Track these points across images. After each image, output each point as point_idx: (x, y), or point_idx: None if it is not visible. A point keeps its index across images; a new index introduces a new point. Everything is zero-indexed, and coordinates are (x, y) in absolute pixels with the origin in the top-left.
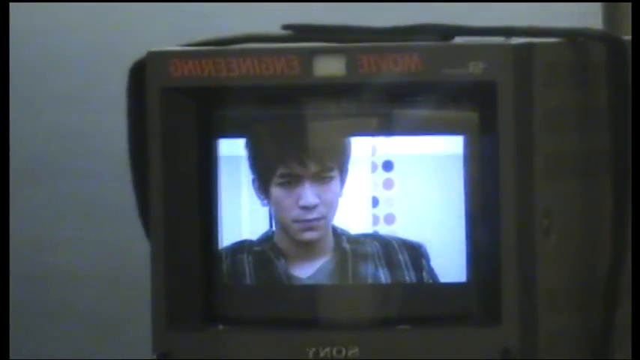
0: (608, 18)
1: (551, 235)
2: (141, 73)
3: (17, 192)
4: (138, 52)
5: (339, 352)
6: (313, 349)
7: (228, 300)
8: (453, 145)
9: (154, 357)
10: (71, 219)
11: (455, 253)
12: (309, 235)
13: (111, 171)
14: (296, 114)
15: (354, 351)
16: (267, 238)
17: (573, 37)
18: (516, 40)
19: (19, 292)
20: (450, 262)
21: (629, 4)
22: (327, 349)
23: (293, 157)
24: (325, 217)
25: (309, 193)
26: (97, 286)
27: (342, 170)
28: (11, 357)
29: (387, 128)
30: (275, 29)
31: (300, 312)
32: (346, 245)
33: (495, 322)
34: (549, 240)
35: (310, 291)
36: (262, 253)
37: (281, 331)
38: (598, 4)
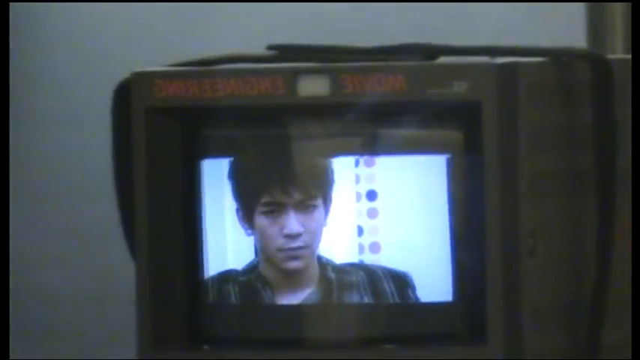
0: (593, 37)
1: (537, 254)
2: (125, 94)
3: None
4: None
5: None
6: None
7: (214, 320)
8: (437, 166)
9: None
10: (55, 238)
11: (440, 272)
12: (293, 264)
13: (97, 190)
14: (280, 134)
15: None
16: (252, 268)
17: (558, 56)
18: (501, 60)
19: None
20: (435, 281)
21: (613, 23)
22: None
23: (277, 184)
24: (310, 246)
25: (293, 222)
26: (81, 306)
27: (326, 199)
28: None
29: (371, 148)
30: (260, 48)
31: (286, 332)
32: (331, 274)
33: (481, 341)
34: (534, 259)
35: (296, 311)
36: (248, 282)
37: (266, 352)
38: (582, 23)
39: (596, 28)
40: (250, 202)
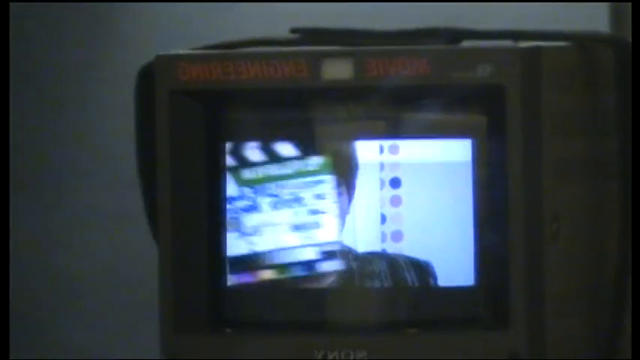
0: (615, 20)
1: (560, 238)
2: (149, 77)
3: (25, 194)
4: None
5: (347, 355)
6: (322, 352)
7: (236, 303)
8: (460, 150)
9: None
10: (79, 222)
11: (463, 257)
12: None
13: (120, 174)
14: (304, 118)
15: (362, 354)
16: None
17: (581, 40)
18: (524, 44)
19: (21, 294)
20: (458, 266)
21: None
22: (336, 352)
23: None
24: None
25: None
26: (104, 290)
27: (350, 187)
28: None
29: (394, 132)
30: (284, 32)
31: (309, 315)
32: (353, 264)
33: (503, 326)
34: (557, 244)
35: (318, 295)
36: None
37: (289, 334)
38: (605, 6)
39: (620, 13)
40: None
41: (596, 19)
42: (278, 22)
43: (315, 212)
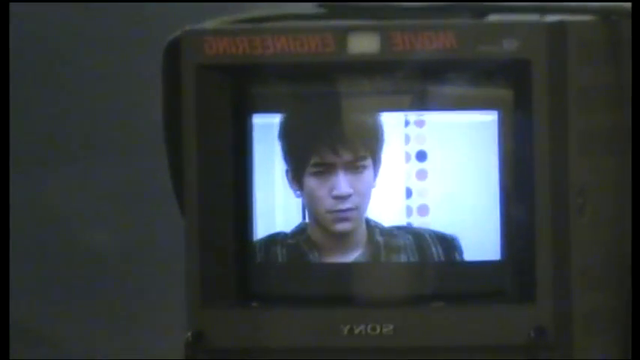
0: None
1: (586, 212)
2: (176, 52)
3: (49, 170)
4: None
5: (373, 329)
6: (348, 327)
7: (262, 278)
8: (487, 124)
9: (189, 335)
10: (103, 197)
11: (489, 231)
12: (342, 226)
13: (147, 148)
14: (330, 92)
15: (388, 328)
16: (300, 231)
17: (607, 14)
18: (550, 18)
19: (46, 268)
20: (484, 240)
21: None
22: (362, 327)
23: (326, 144)
24: (358, 208)
25: (342, 183)
26: (129, 265)
27: (376, 160)
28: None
29: (420, 105)
30: (310, 6)
31: (335, 290)
32: (379, 238)
33: (529, 300)
34: (584, 218)
35: (343, 270)
36: (296, 245)
37: (315, 309)
38: None
39: None
40: (300, 163)
41: None
42: None
43: None
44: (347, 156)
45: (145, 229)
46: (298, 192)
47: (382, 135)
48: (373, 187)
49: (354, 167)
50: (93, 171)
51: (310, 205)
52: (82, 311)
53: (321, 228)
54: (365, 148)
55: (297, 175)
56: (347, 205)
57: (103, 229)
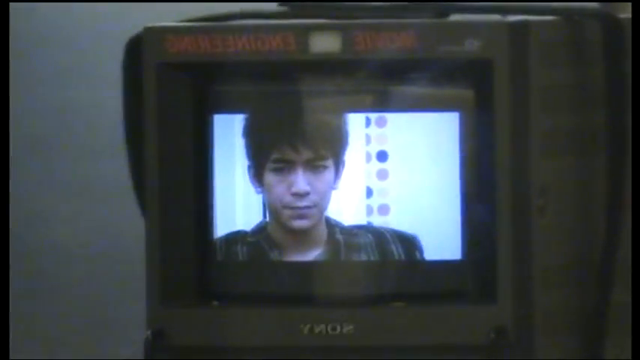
0: None
1: (547, 213)
2: (137, 49)
3: (13, 168)
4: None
5: (333, 328)
6: (308, 326)
7: (223, 276)
8: (448, 124)
9: (148, 333)
10: (66, 195)
11: (450, 231)
12: (299, 223)
13: (108, 146)
14: (291, 90)
15: (349, 327)
16: (260, 229)
17: (569, 15)
18: (512, 18)
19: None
20: (444, 240)
21: None
22: (322, 326)
23: (286, 141)
24: (317, 206)
25: (301, 180)
26: (91, 262)
27: (338, 161)
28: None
29: (382, 105)
30: (272, 4)
31: (295, 289)
32: (339, 237)
33: (490, 300)
34: (544, 218)
35: (304, 268)
36: (256, 243)
37: (275, 308)
38: None
39: None
40: (260, 159)
41: None
42: None
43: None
44: (307, 154)
45: (110, 228)
46: (259, 188)
47: (346, 137)
48: (334, 188)
49: (313, 166)
50: (55, 168)
51: (270, 202)
52: (44, 310)
53: (281, 225)
54: (326, 147)
55: (258, 172)
56: (305, 202)
57: (67, 226)
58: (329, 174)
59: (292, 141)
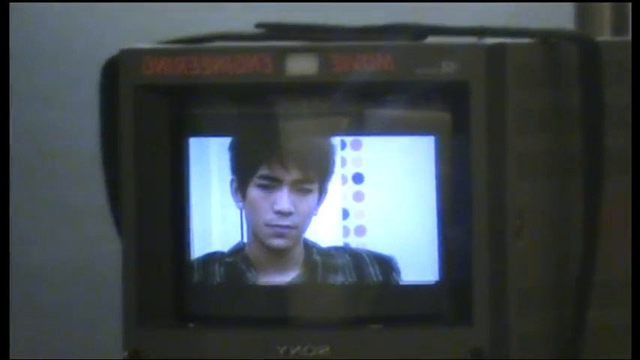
0: (581, 18)
1: (523, 235)
2: (113, 71)
3: None
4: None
5: (309, 350)
6: (284, 348)
7: (199, 298)
8: (424, 147)
9: (125, 354)
10: (42, 216)
11: (426, 254)
12: (278, 242)
13: (85, 168)
14: (268, 113)
15: (324, 350)
16: (238, 250)
17: (546, 37)
18: (489, 41)
19: None
20: (421, 262)
21: (600, 5)
22: (298, 348)
23: (276, 159)
24: (297, 228)
25: (285, 199)
26: (67, 284)
27: (322, 188)
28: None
29: (358, 128)
30: (248, 26)
31: (272, 311)
32: (316, 257)
33: (466, 323)
34: (521, 240)
35: (280, 291)
36: (233, 264)
37: (251, 330)
38: (570, 4)
39: (584, 10)
40: (246, 174)
41: (562, 17)
42: (242, 16)
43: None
44: (295, 173)
45: (86, 249)
46: (240, 203)
47: (333, 165)
48: (314, 214)
49: (299, 188)
50: (33, 190)
51: (250, 217)
52: (19, 333)
53: (259, 244)
54: (314, 172)
55: (241, 185)
56: (286, 222)
57: (43, 248)
58: (312, 198)
59: (283, 159)
